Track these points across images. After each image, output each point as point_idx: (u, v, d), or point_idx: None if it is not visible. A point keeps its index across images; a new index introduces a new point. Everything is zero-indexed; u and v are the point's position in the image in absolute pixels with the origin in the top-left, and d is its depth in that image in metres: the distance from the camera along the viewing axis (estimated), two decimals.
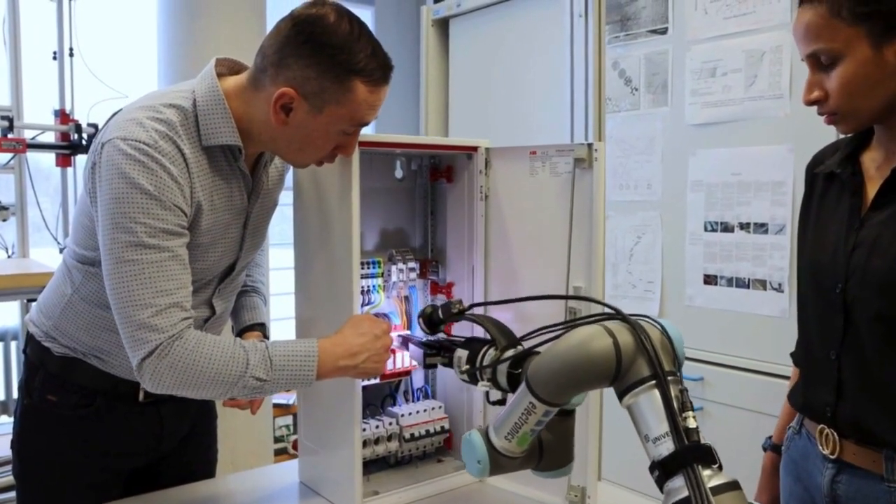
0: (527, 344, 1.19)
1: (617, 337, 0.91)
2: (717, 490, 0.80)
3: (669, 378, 0.88)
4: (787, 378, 1.48)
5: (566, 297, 1.30)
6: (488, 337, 1.26)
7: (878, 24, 1.05)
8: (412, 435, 1.58)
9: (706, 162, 2.29)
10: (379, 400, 1.63)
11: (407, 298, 1.64)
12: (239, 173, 1.30)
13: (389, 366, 1.54)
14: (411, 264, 1.62)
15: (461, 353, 1.26)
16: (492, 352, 1.20)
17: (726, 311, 2.25)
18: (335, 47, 1.17)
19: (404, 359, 1.56)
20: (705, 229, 2.30)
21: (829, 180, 1.24)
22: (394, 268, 1.60)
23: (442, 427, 1.63)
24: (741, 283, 2.22)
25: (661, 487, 0.85)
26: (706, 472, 0.82)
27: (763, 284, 2.16)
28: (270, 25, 1.24)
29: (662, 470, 0.83)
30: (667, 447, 0.84)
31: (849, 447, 1.17)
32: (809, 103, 1.14)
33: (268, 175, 1.40)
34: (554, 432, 1.08)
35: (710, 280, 2.30)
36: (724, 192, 2.24)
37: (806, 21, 1.09)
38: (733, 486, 0.81)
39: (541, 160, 1.47)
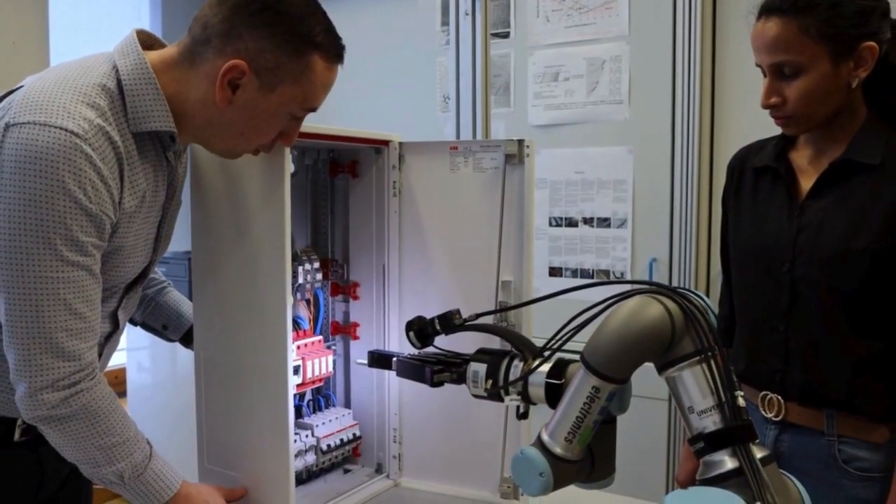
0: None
1: (666, 304, 0.91)
2: (762, 462, 0.87)
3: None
4: None
5: (632, 282, 1.15)
6: (496, 347, 1.17)
7: (839, 44, 1.20)
8: (328, 446, 1.49)
9: (550, 161, 2.43)
10: None
11: (309, 302, 1.54)
12: (165, 164, 1.13)
13: (309, 373, 1.44)
14: (317, 265, 1.52)
15: (478, 368, 1.12)
16: (517, 363, 1.10)
17: (572, 301, 2.38)
18: (294, 17, 1.06)
19: (325, 364, 1.46)
20: (550, 224, 2.44)
21: (759, 174, 1.39)
22: (300, 269, 1.49)
23: (354, 434, 1.56)
24: (585, 274, 2.39)
25: (699, 456, 0.90)
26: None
27: (607, 274, 2.35)
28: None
29: (709, 442, 0.88)
30: (713, 421, 0.88)
31: (793, 409, 1.31)
32: (767, 107, 1.27)
33: (182, 166, 1.23)
34: (600, 440, 1.01)
35: (555, 272, 2.44)
36: (567, 189, 2.40)
37: (775, 34, 1.22)
38: (771, 459, 0.88)
39: (463, 156, 1.46)
